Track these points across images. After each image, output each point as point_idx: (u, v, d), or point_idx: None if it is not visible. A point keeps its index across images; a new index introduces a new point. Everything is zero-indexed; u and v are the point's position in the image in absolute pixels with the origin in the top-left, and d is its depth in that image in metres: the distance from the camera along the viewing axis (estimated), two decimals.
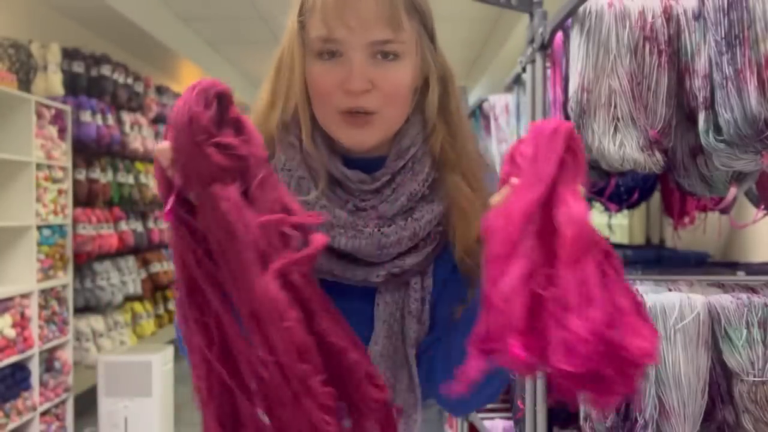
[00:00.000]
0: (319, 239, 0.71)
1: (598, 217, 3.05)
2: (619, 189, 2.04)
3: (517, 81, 2.10)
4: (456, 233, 0.89)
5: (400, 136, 0.90)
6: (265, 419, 0.68)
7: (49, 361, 3.64)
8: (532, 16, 1.62)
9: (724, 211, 1.84)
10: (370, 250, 0.87)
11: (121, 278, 4.43)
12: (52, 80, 3.75)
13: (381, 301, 0.90)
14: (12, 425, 3.17)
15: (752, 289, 1.27)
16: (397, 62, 0.83)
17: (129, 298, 4.61)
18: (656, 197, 2.32)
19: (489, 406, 2.59)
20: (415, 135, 0.90)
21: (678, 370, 1.14)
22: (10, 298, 3.24)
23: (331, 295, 0.91)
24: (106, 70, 4.21)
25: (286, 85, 0.89)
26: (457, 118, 0.92)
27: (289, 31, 0.87)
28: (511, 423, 2.22)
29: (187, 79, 6.43)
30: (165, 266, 5.22)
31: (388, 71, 0.83)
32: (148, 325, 4.83)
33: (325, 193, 0.88)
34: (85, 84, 4.07)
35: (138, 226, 4.73)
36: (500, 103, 2.44)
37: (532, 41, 1.61)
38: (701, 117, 1.18)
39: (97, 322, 4.16)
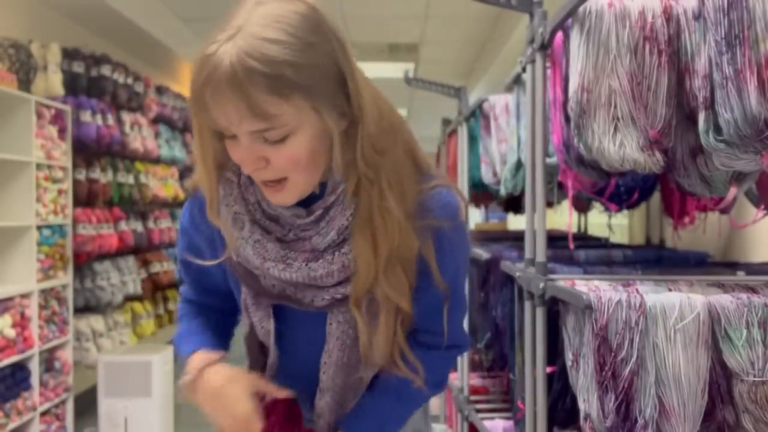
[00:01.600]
0: None
1: (598, 217, 3.06)
2: (619, 189, 2.04)
3: (517, 81, 2.10)
4: (354, 279, 0.92)
5: (332, 172, 0.90)
6: None
7: (49, 361, 3.64)
8: (532, 16, 1.62)
9: (724, 211, 1.84)
10: (304, 281, 0.93)
11: (121, 278, 4.43)
12: (52, 80, 3.75)
13: (333, 321, 0.97)
14: (12, 425, 3.17)
15: (752, 289, 1.27)
16: (286, 141, 0.82)
17: (129, 298, 4.61)
18: (656, 197, 2.32)
19: (489, 406, 2.59)
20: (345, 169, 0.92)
21: (678, 370, 1.14)
22: (10, 298, 3.24)
23: (296, 324, 1.00)
24: (106, 70, 4.21)
25: (201, 152, 0.92)
26: (375, 157, 0.88)
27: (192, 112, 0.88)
28: (511, 423, 2.22)
29: (187, 79, 6.43)
30: (165, 266, 5.23)
31: (278, 150, 0.83)
32: (148, 325, 4.83)
33: (261, 224, 0.93)
34: (85, 84, 4.07)
35: (138, 226, 4.73)
36: (500, 103, 2.44)
37: (532, 41, 1.61)
38: (701, 117, 1.18)
39: (97, 322, 4.16)
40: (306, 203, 0.92)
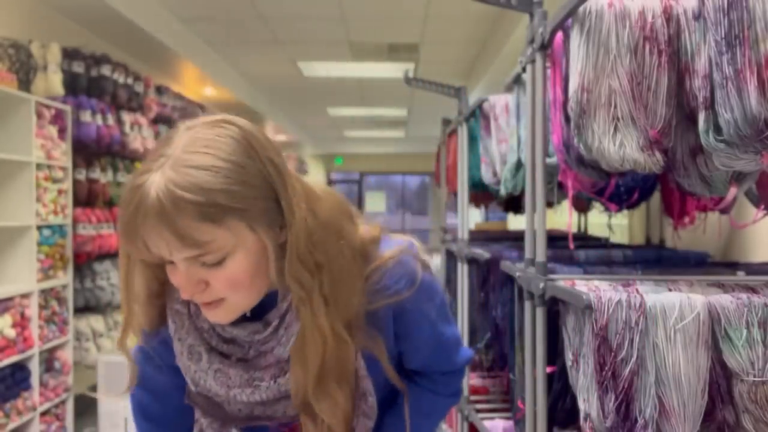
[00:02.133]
0: None
1: (598, 217, 3.06)
2: (619, 189, 2.05)
3: (517, 81, 2.10)
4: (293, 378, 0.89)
5: (282, 277, 0.87)
6: None
7: (49, 361, 3.64)
8: (532, 16, 1.62)
9: (724, 211, 1.84)
10: (275, 396, 0.90)
11: None
12: (52, 80, 3.75)
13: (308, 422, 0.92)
14: (12, 425, 3.17)
15: (752, 289, 1.27)
16: (225, 262, 0.80)
17: None
18: (656, 197, 2.32)
19: (489, 406, 2.59)
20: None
21: (678, 370, 1.14)
22: (10, 298, 3.24)
23: None
24: (106, 70, 4.20)
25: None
26: (310, 257, 0.85)
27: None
28: (511, 423, 2.22)
29: (187, 79, 6.43)
30: None
31: (216, 272, 0.81)
32: None
33: (220, 350, 0.90)
34: (85, 84, 4.07)
35: None
36: (500, 103, 2.44)
37: (532, 41, 1.61)
38: (701, 117, 1.18)
39: (97, 322, 4.16)
40: (260, 315, 0.90)
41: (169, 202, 0.74)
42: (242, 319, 0.90)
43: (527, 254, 1.68)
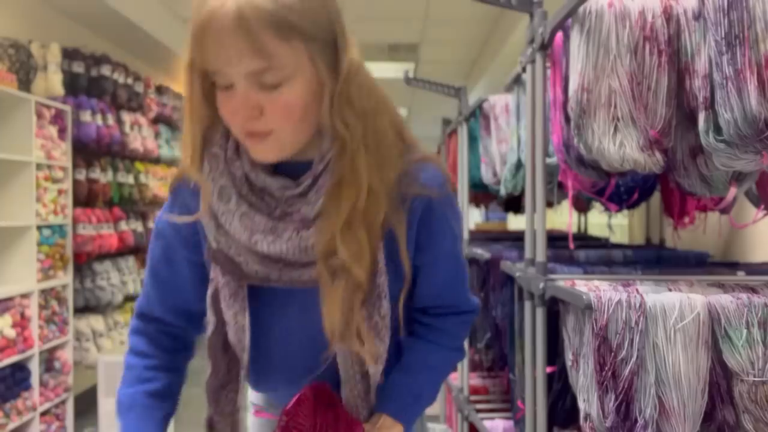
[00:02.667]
0: None
1: (598, 217, 3.06)
2: (619, 189, 2.05)
3: (517, 81, 2.10)
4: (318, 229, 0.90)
5: (321, 139, 0.91)
6: None
7: (49, 361, 3.64)
8: (532, 16, 1.62)
9: (724, 211, 1.84)
10: (294, 253, 0.90)
11: (121, 278, 4.43)
12: (52, 80, 3.75)
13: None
14: (12, 425, 3.17)
15: (752, 289, 1.27)
16: (283, 86, 0.84)
17: (129, 298, 4.61)
18: (656, 197, 2.32)
19: (489, 406, 2.59)
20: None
21: (678, 370, 1.14)
22: (10, 298, 3.24)
23: (280, 303, 0.97)
24: (106, 70, 4.21)
25: (190, 114, 0.91)
26: (357, 120, 0.89)
27: (187, 64, 0.88)
28: (511, 423, 2.22)
29: None
30: None
31: (274, 96, 0.84)
32: None
33: (248, 199, 0.91)
34: (85, 84, 4.07)
35: (138, 226, 4.73)
36: (500, 103, 2.44)
37: (532, 41, 1.61)
38: (701, 117, 1.18)
39: (97, 322, 4.16)
40: (294, 177, 0.91)
41: (246, 6, 0.78)
42: (277, 173, 0.92)
43: (527, 254, 1.68)
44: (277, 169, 0.92)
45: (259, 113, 0.85)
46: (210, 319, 0.98)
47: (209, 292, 0.97)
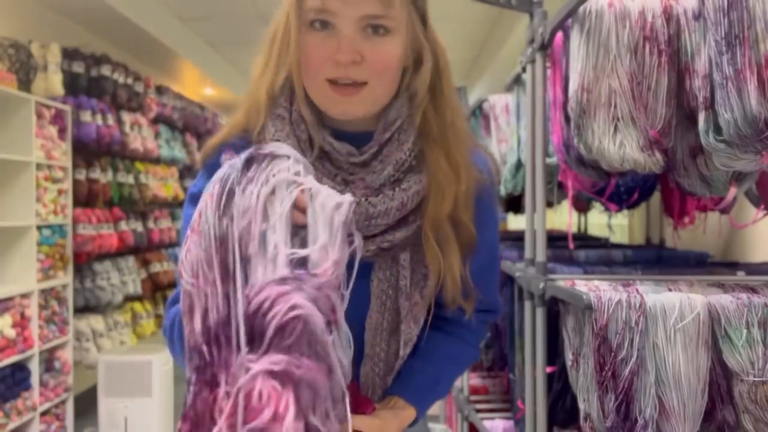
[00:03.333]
0: None
1: (598, 217, 3.05)
2: (619, 189, 2.04)
3: (517, 81, 2.10)
4: (427, 205, 0.90)
5: (387, 110, 0.91)
6: None
7: (49, 361, 3.64)
8: (532, 16, 1.62)
9: (724, 211, 1.84)
10: (358, 221, 0.87)
11: (121, 278, 4.43)
12: (52, 80, 3.75)
13: (375, 278, 0.93)
14: (12, 425, 3.17)
15: (752, 289, 1.27)
16: (387, 37, 0.86)
17: (129, 298, 4.61)
18: (656, 197, 2.32)
19: (489, 406, 2.59)
20: (401, 108, 0.92)
21: (678, 370, 1.14)
22: (10, 298, 3.24)
23: None
24: (106, 70, 4.20)
25: (278, 55, 0.92)
26: (446, 94, 0.94)
27: (286, 3, 0.89)
28: (511, 423, 2.22)
29: (187, 79, 6.43)
30: (165, 266, 5.22)
31: (377, 45, 0.85)
32: (148, 325, 4.83)
33: (312, 163, 0.88)
34: (85, 84, 4.07)
35: (138, 226, 4.73)
36: (500, 103, 2.44)
37: (532, 41, 1.61)
38: (701, 117, 1.18)
39: (97, 322, 4.16)
40: (357, 145, 0.91)
41: None
42: (343, 141, 0.91)
43: (527, 254, 1.68)
44: (338, 136, 0.91)
45: (359, 59, 0.84)
46: None
47: None
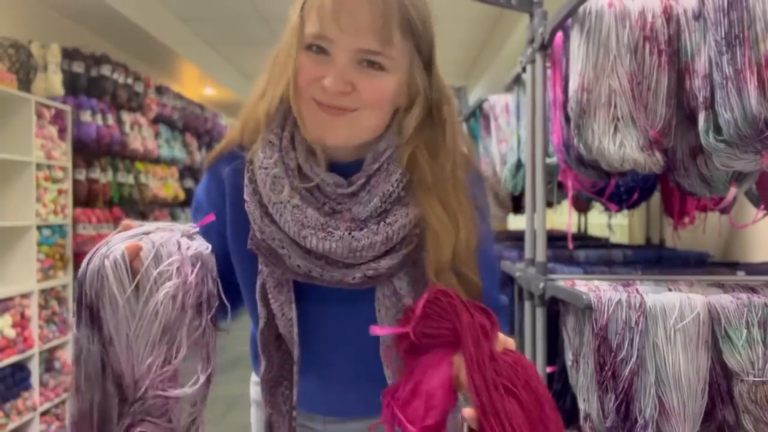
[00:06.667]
0: None
1: (598, 217, 3.05)
2: (619, 189, 2.05)
3: (517, 81, 2.10)
4: (428, 255, 0.90)
5: (377, 141, 0.91)
6: None
7: (49, 361, 3.64)
8: (532, 16, 1.62)
9: (724, 211, 1.84)
10: (342, 253, 0.88)
11: None
12: (52, 80, 3.75)
13: (381, 307, 0.92)
14: (12, 425, 3.17)
15: (752, 289, 1.27)
16: (381, 73, 0.85)
17: None
18: (656, 197, 2.32)
19: None
20: (391, 140, 0.92)
21: (678, 370, 1.14)
22: (10, 298, 3.23)
23: (329, 302, 0.94)
24: (106, 70, 4.20)
25: (277, 77, 0.92)
26: (449, 143, 0.93)
27: (290, 26, 0.89)
28: None
29: (187, 79, 6.43)
30: None
31: (370, 77, 0.85)
32: None
33: (299, 192, 0.90)
34: (85, 84, 4.07)
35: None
36: (500, 103, 2.44)
37: (532, 41, 1.61)
38: (701, 117, 1.18)
39: None
40: (346, 175, 0.91)
41: None
42: (332, 171, 0.92)
43: (527, 254, 1.68)
44: (329, 166, 0.92)
45: (349, 90, 0.85)
46: (261, 312, 0.94)
47: (258, 283, 0.94)
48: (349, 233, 0.88)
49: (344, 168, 0.92)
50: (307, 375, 0.98)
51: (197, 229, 0.84)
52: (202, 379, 0.77)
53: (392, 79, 0.86)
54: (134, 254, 0.74)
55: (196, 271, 0.77)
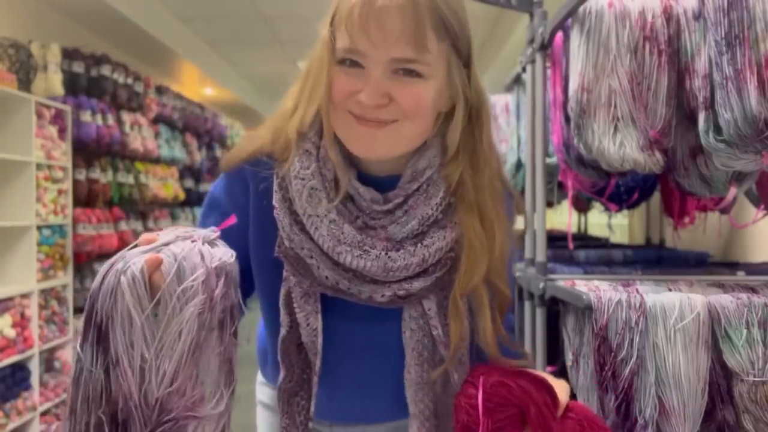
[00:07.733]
0: None
1: (598, 217, 3.05)
2: (619, 189, 2.05)
3: (517, 81, 2.10)
4: (460, 275, 0.88)
5: (417, 157, 0.88)
6: None
7: (49, 361, 3.64)
8: (532, 16, 1.62)
9: (724, 211, 1.84)
10: (377, 272, 0.86)
11: None
12: (52, 80, 3.75)
13: (407, 329, 0.90)
14: (12, 425, 3.17)
15: (752, 289, 1.27)
16: (419, 81, 0.82)
17: None
18: (656, 197, 2.32)
19: None
20: (432, 158, 0.89)
21: (678, 370, 1.14)
22: (10, 298, 3.23)
23: (354, 316, 0.92)
24: (106, 70, 4.20)
25: (310, 92, 0.89)
26: (485, 150, 0.90)
27: (321, 40, 0.86)
28: None
29: (187, 79, 6.43)
30: None
31: (408, 86, 0.82)
32: None
33: (335, 206, 0.87)
34: (85, 84, 4.07)
35: (138, 226, 4.72)
36: (500, 103, 2.44)
37: (532, 41, 1.61)
38: (701, 117, 1.18)
39: None
40: (383, 189, 0.88)
41: None
42: (368, 184, 0.89)
43: (527, 254, 1.68)
44: (361, 182, 0.89)
45: (385, 102, 0.82)
46: (284, 320, 0.91)
47: (283, 291, 0.91)
48: (386, 253, 0.86)
49: (379, 183, 0.89)
50: (320, 384, 0.96)
51: (218, 233, 0.80)
52: (226, 395, 0.74)
53: (431, 84, 0.83)
54: (154, 268, 0.70)
55: (221, 283, 0.72)
